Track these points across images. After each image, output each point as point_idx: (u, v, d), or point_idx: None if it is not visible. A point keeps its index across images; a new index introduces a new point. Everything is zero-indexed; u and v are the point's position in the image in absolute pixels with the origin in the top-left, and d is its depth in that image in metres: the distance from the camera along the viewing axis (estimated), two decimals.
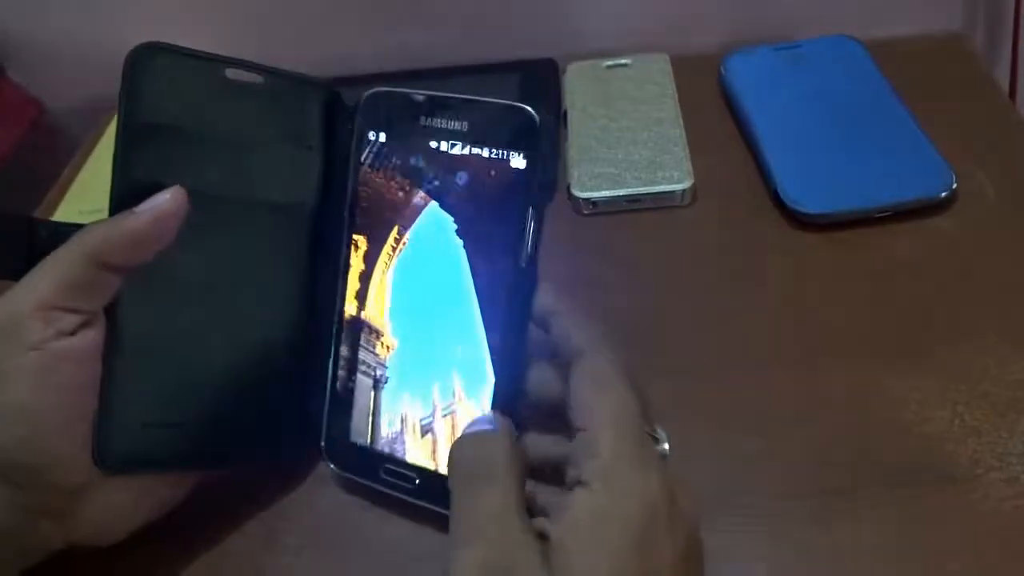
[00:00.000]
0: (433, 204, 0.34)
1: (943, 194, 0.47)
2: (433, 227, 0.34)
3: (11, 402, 0.30)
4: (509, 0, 0.63)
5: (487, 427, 0.29)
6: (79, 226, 0.33)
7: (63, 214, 0.55)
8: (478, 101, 0.32)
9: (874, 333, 0.42)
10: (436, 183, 0.34)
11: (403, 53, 0.65)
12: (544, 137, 0.32)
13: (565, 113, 0.57)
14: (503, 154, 0.32)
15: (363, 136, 0.35)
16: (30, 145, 0.66)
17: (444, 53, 0.64)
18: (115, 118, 0.34)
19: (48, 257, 0.31)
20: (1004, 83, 0.61)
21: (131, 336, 0.33)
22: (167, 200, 0.33)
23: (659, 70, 0.59)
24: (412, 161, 0.34)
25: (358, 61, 0.65)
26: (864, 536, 0.35)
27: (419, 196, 0.34)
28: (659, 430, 0.30)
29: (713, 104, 0.57)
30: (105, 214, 0.33)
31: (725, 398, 0.40)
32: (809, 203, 0.47)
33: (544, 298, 0.31)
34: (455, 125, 0.33)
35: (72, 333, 0.31)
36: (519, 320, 0.31)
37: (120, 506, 0.33)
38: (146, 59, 0.35)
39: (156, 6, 0.65)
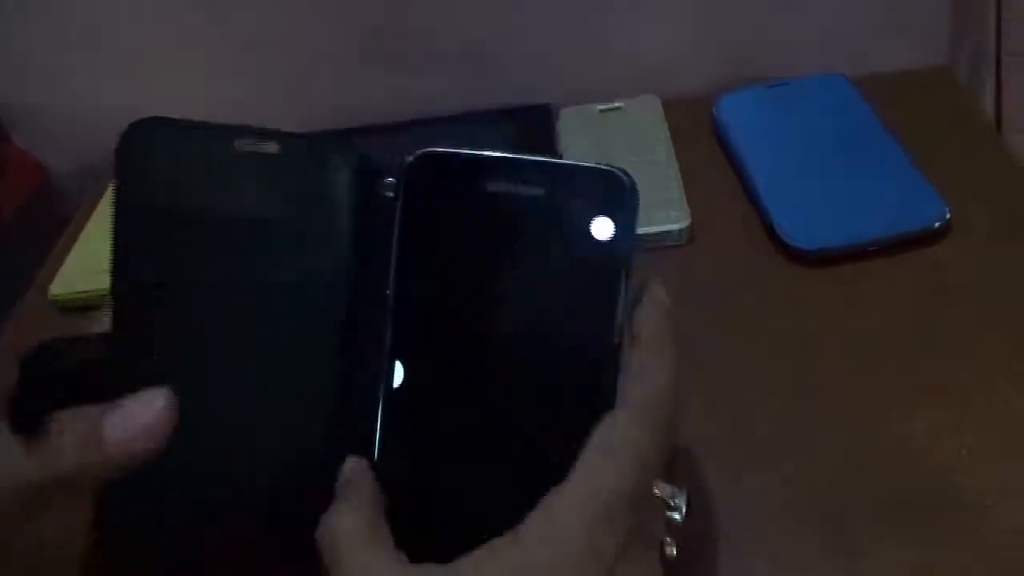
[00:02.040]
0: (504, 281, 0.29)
1: (937, 224, 0.47)
2: None
3: None
4: (503, 49, 0.64)
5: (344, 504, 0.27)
6: (68, 340, 0.29)
7: (66, 276, 0.55)
8: (555, 163, 0.28)
9: (876, 365, 0.42)
10: (501, 258, 0.28)
11: (399, 104, 0.66)
12: (636, 203, 0.27)
13: (561, 158, 0.58)
14: (587, 224, 0.27)
15: (410, 206, 0.29)
16: (34, 208, 0.67)
17: (439, 102, 0.66)
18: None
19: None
20: (990, 114, 0.62)
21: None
22: (147, 424, 0.27)
23: (651, 112, 0.60)
24: (473, 235, 0.28)
25: (353, 112, 0.66)
26: (874, 568, 0.34)
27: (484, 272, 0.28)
28: (679, 494, 0.29)
29: (707, 144, 0.58)
30: (107, 276, 0.31)
31: (730, 434, 0.40)
32: (806, 239, 0.48)
33: (659, 292, 0.28)
34: (529, 190, 0.27)
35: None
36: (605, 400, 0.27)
37: None
38: (143, 136, 0.31)
39: (158, 69, 0.66)
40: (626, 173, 0.27)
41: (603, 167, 0.27)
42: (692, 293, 0.48)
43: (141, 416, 0.27)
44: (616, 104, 0.61)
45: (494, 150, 0.28)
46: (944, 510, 0.36)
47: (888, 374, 0.42)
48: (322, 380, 0.31)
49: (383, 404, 0.29)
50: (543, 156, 0.28)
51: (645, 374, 0.26)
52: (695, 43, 0.64)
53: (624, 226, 0.27)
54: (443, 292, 0.29)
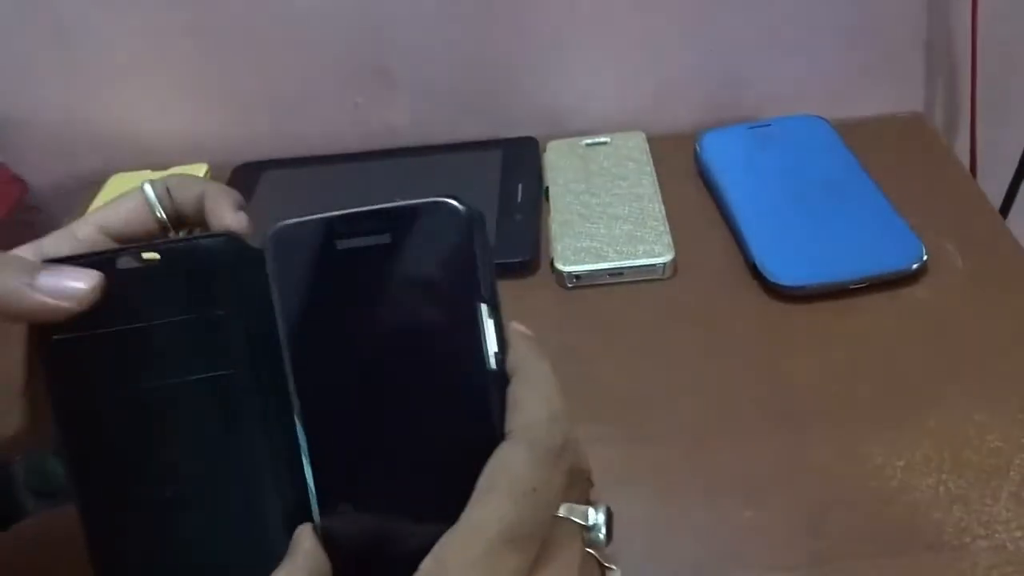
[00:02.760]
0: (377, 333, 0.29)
1: (914, 266, 0.48)
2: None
3: None
4: (491, 82, 0.65)
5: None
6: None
7: None
8: (392, 208, 0.28)
9: (854, 401, 0.43)
10: (373, 310, 0.29)
11: (388, 132, 0.67)
12: (477, 228, 0.27)
13: (547, 189, 0.59)
14: (435, 258, 0.28)
15: (280, 277, 0.30)
16: (13, 223, 0.66)
17: (427, 132, 0.66)
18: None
19: None
20: (964, 158, 0.63)
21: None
22: (73, 290, 0.29)
23: (637, 147, 0.61)
24: (341, 293, 0.29)
25: (344, 139, 0.66)
26: None
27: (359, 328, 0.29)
28: (595, 515, 0.28)
29: (690, 179, 0.59)
30: None
31: (708, 468, 0.40)
32: (787, 276, 0.49)
33: (516, 327, 0.29)
34: (376, 240, 0.28)
35: None
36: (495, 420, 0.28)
37: None
38: None
39: (140, 87, 0.66)
40: (460, 200, 0.27)
41: (436, 200, 0.28)
42: (674, 326, 0.49)
43: (72, 279, 0.29)
44: (602, 139, 0.62)
45: (349, 207, 0.29)
46: (922, 549, 0.36)
47: (863, 411, 0.42)
48: (257, 463, 0.32)
49: (309, 467, 0.30)
50: (382, 204, 0.28)
51: (519, 406, 0.27)
52: (681, 82, 0.65)
53: (470, 252, 0.27)
54: (329, 351, 0.29)
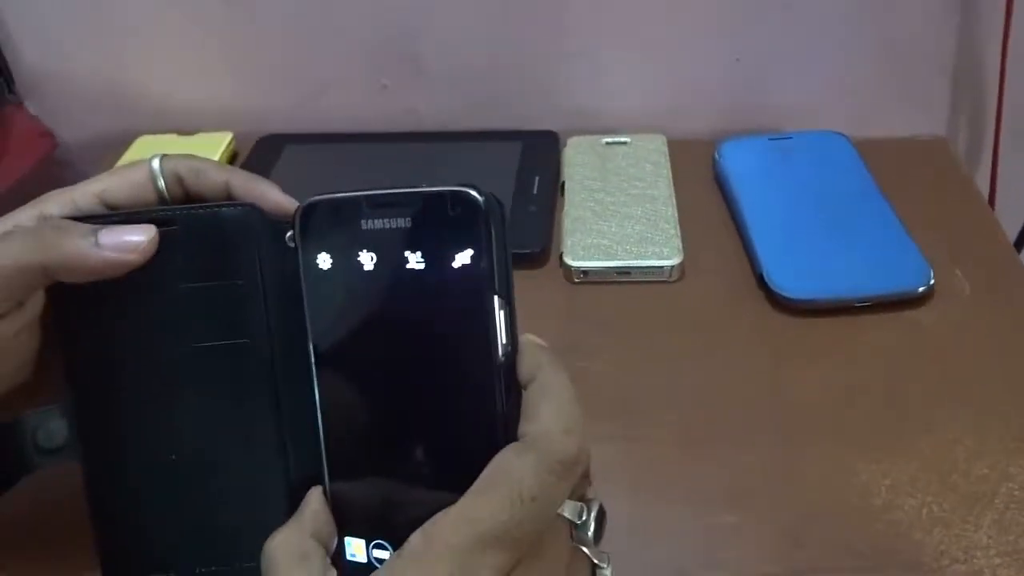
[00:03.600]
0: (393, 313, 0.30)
1: (921, 289, 0.48)
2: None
3: None
4: (516, 75, 0.66)
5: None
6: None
7: None
8: (418, 192, 0.29)
9: (848, 418, 0.43)
10: (391, 291, 0.29)
11: (411, 117, 0.68)
12: (496, 220, 0.28)
13: (563, 184, 0.59)
14: (451, 245, 0.28)
15: (306, 255, 0.30)
16: (42, 176, 0.67)
17: (450, 118, 0.67)
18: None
19: None
20: (984, 187, 0.63)
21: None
22: (135, 244, 0.30)
23: (656, 150, 0.61)
24: (361, 270, 0.29)
25: (368, 120, 0.67)
26: None
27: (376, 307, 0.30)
28: (587, 511, 0.29)
29: (706, 186, 0.59)
30: None
31: (699, 472, 0.41)
32: (793, 289, 0.49)
33: (529, 336, 0.29)
34: (400, 221, 0.29)
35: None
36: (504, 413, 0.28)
37: None
38: None
39: (172, 52, 0.67)
40: (479, 190, 0.27)
41: (459, 188, 0.28)
42: (677, 329, 0.49)
43: (132, 234, 0.30)
44: (622, 139, 0.63)
45: (367, 188, 0.29)
46: (900, 569, 0.36)
47: (858, 428, 0.43)
48: (265, 431, 0.32)
49: (323, 436, 0.31)
50: (408, 188, 0.29)
51: (535, 414, 0.27)
52: (706, 89, 0.65)
53: (488, 243, 0.27)
54: (348, 327, 0.30)
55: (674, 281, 0.52)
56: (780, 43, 0.63)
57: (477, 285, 0.28)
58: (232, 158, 0.65)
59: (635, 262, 0.52)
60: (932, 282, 0.49)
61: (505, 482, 0.26)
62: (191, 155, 0.34)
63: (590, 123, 0.65)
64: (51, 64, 0.69)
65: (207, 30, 0.66)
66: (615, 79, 0.66)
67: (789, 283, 0.49)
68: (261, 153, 0.65)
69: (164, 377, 0.32)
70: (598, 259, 0.52)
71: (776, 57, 0.64)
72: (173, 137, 0.65)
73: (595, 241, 0.53)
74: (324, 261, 0.30)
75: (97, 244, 0.29)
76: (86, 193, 0.33)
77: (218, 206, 0.33)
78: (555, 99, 0.66)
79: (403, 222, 0.28)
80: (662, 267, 0.52)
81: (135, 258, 0.30)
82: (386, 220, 0.29)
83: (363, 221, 0.29)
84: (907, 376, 0.45)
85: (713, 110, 0.66)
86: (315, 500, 0.30)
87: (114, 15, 0.66)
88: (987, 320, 0.48)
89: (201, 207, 0.33)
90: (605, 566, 0.30)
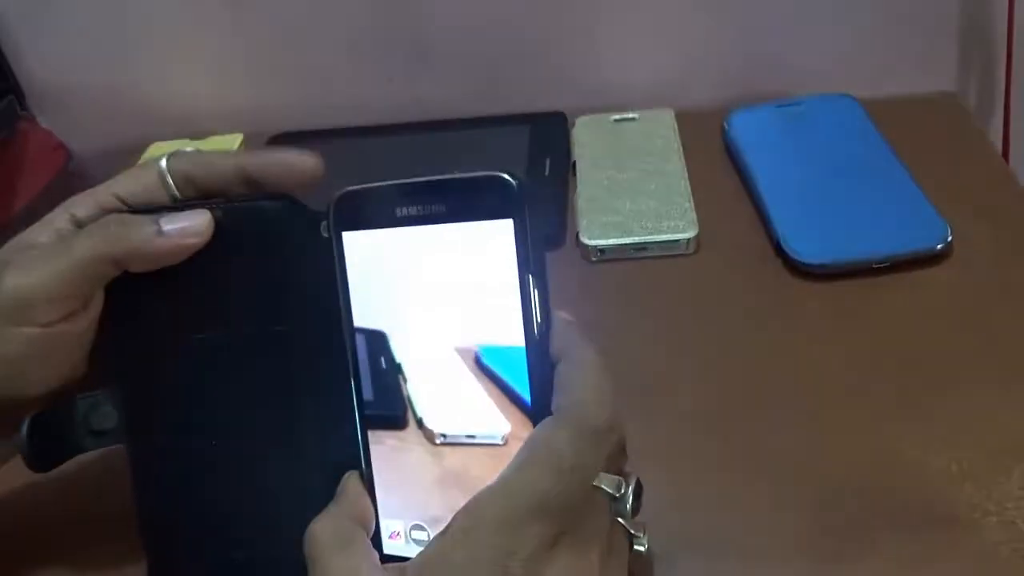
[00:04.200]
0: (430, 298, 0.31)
1: (939, 247, 0.48)
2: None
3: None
4: (521, 57, 0.66)
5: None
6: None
7: None
8: (451, 179, 0.29)
9: (873, 380, 0.43)
10: (427, 274, 0.30)
11: (417, 105, 0.68)
12: (527, 202, 0.28)
13: (574, 164, 0.59)
14: (487, 229, 0.29)
15: (341, 243, 0.32)
16: (57, 190, 0.68)
17: (457, 105, 0.67)
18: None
19: (65, 245, 0.32)
20: (997, 141, 0.63)
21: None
22: (196, 226, 0.32)
23: (665, 124, 0.61)
24: (397, 257, 0.31)
25: (374, 113, 0.67)
26: None
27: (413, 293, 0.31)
28: (625, 485, 0.29)
29: (717, 157, 0.59)
30: None
31: (726, 443, 0.41)
32: (810, 254, 0.49)
33: (559, 313, 0.30)
34: (433, 209, 0.29)
35: (68, 316, 0.32)
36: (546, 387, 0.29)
37: None
38: None
39: (180, 57, 0.68)
40: (514, 175, 0.28)
41: (492, 174, 0.28)
42: (696, 302, 0.49)
43: (190, 219, 0.32)
44: (630, 115, 0.63)
45: (407, 178, 0.30)
46: (933, 524, 0.37)
47: (882, 389, 0.43)
48: (303, 417, 0.33)
49: (360, 422, 0.32)
50: (441, 176, 0.29)
51: (568, 387, 0.28)
52: (712, 59, 0.65)
53: (522, 225, 0.28)
54: (388, 311, 0.31)
55: (691, 254, 0.52)
56: (785, 7, 0.62)
57: (513, 267, 0.28)
58: None
59: (651, 237, 0.52)
60: (950, 239, 0.49)
61: (543, 454, 0.27)
62: (197, 151, 0.36)
63: (597, 101, 0.65)
64: (59, 76, 0.69)
65: (213, 35, 0.67)
66: (621, 55, 0.65)
67: (806, 248, 0.49)
68: None
69: (206, 363, 0.33)
70: (614, 236, 0.52)
71: (782, 21, 0.63)
72: (185, 142, 0.66)
73: (610, 219, 0.54)
74: (360, 248, 0.31)
75: (161, 232, 0.31)
76: (107, 195, 0.34)
77: (256, 198, 0.34)
78: (561, 79, 0.66)
79: (439, 207, 0.29)
80: (678, 240, 0.52)
81: (197, 241, 0.32)
82: (421, 206, 0.30)
83: (397, 208, 0.30)
84: (930, 335, 0.45)
85: (721, 79, 0.66)
86: (353, 485, 0.31)
87: (119, 25, 0.66)
88: (1008, 273, 0.48)
89: (240, 199, 0.34)
90: (642, 535, 0.31)
